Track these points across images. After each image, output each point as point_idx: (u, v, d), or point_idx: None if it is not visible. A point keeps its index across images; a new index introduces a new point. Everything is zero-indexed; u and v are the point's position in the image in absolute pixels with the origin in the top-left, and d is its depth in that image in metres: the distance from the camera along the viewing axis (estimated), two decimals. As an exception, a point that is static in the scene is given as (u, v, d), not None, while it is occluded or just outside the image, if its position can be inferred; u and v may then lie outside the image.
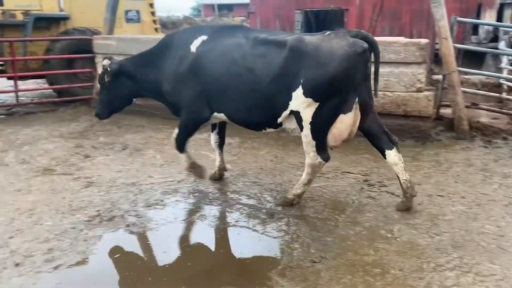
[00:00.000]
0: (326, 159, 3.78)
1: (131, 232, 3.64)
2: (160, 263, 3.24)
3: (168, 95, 4.20)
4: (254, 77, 3.69)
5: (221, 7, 47.49)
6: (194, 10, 54.43)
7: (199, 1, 53.65)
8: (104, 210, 3.97)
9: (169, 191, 4.43)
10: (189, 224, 3.77)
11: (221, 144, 4.64)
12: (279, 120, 3.79)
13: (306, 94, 3.52)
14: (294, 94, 3.58)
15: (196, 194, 4.34)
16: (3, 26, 8.14)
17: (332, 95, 3.51)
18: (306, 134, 3.67)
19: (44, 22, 8.65)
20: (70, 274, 3.08)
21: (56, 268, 3.11)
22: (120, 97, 4.46)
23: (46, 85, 9.14)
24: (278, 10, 14.76)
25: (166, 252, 3.37)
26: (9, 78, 8.57)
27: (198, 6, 54.58)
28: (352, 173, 4.85)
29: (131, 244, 3.51)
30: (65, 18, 8.93)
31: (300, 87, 3.53)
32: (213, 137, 4.63)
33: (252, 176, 4.79)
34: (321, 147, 3.71)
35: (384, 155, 3.84)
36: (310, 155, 3.75)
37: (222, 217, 3.89)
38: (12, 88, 8.23)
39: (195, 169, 4.49)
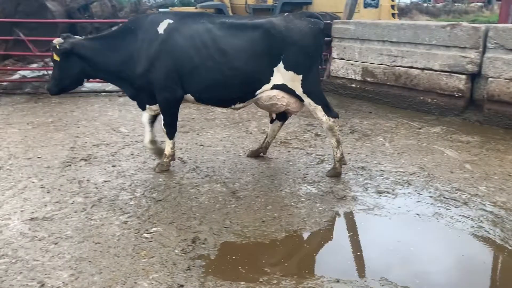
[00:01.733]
0: (336, 116, 4.24)
1: (362, 215, 3.67)
2: (393, 253, 3.16)
3: (140, 78, 4.14)
4: (229, 58, 3.99)
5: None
6: (423, -4, 51.00)
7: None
8: (336, 188, 4.11)
9: (400, 181, 4.28)
10: (423, 220, 3.57)
11: (153, 122, 4.53)
12: (257, 92, 4.15)
13: (287, 68, 4.02)
14: (275, 69, 4.05)
15: (430, 190, 4.08)
16: (256, 10, 9.15)
17: (310, 65, 4.08)
18: (309, 103, 4.19)
19: (289, 6, 9.37)
20: (305, 241, 3.30)
21: (295, 232, 3.38)
22: (70, 77, 4.29)
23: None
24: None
25: (400, 242, 3.28)
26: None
27: (429, -8, 50.90)
28: None
29: (362, 226, 3.55)
30: (307, 3, 9.48)
31: (281, 62, 4.01)
32: (145, 115, 4.49)
33: (498, 182, 4.22)
34: (327, 108, 4.20)
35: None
36: (323, 119, 4.22)
37: (461, 221, 3.55)
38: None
39: (169, 159, 4.51)
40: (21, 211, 3.60)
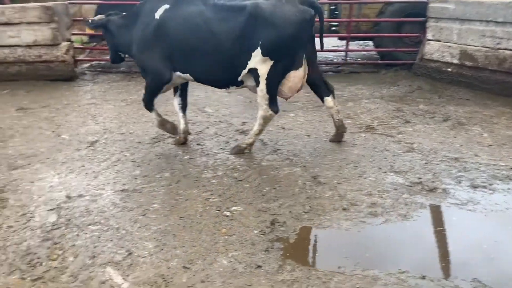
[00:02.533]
0: (276, 111, 4.26)
1: (454, 209, 3.39)
2: (488, 253, 2.89)
3: (134, 58, 4.51)
4: (218, 40, 3.99)
5: None
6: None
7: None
8: (425, 179, 3.84)
9: (500, 176, 3.89)
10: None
11: (184, 107, 4.78)
12: (239, 78, 4.14)
13: (263, 53, 3.93)
14: (253, 54, 3.96)
15: (536, 188, 3.66)
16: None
17: (285, 54, 3.98)
18: (262, 89, 4.11)
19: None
20: (389, 232, 3.13)
21: (379, 224, 3.22)
22: (111, 49, 4.81)
23: (369, 47, 9.53)
24: None
25: (497, 241, 2.98)
26: (340, 38, 9.35)
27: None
28: None
29: (453, 221, 3.28)
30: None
31: (259, 47, 3.92)
32: (176, 100, 4.78)
33: None
34: (273, 101, 4.20)
35: (322, 100, 4.61)
36: (263, 107, 4.22)
37: None
38: (342, 48, 8.96)
39: (165, 126, 4.71)
40: (114, 182, 3.84)
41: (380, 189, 3.69)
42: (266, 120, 4.32)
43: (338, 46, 9.66)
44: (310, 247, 2.99)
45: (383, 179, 3.88)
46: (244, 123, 5.46)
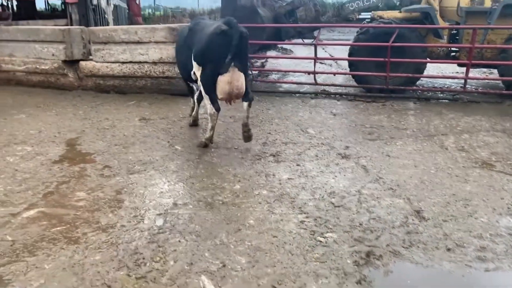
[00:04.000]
0: (218, 109, 5.24)
1: None
2: None
3: None
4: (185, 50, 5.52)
5: None
6: None
7: None
8: (550, 228, 3.40)
9: None
10: None
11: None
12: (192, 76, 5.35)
13: (195, 60, 5.15)
14: (192, 60, 5.19)
15: None
16: (469, 13, 8.24)
17: (207, 61, 5.01)
18: (202, 90, 5.26)
19: (511, 10, 8.13)
20: (499, 282, 2.82)
21: (486, 270, 2.92)
22: None
23: (493, 76, 8.76)
24: None
25: None
26: (460, 65, 8.76)
27: None
28: None
29: None
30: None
31: (193, 55, 5.16)
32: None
33: None
34: (213, 100, 5.16)
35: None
36: (208, 106, 5.21)
37: None
38: (461, 75, 8.36)
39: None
40: (216, 194, 4.05)
41: (493, 233, 3.35)
42: (212, 117, 5.26)
43: (457, 72, 9.06)
44: (405, 286, 2.81)
45: (497, 221, 3.52)
46: (347, 147, 5.38)
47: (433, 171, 4.61)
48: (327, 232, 3.36)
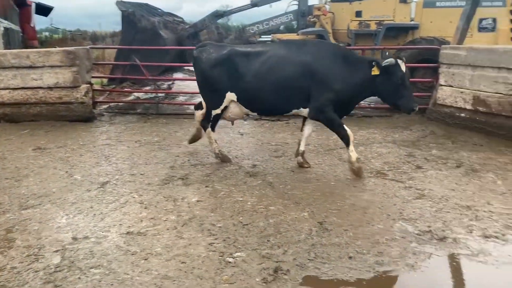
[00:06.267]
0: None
1: (464, 260, 3.28)
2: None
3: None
4: None
5: None
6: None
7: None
8: (435, 228, 3.75)
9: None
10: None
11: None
12: None
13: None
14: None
15: (549, 240, 3.52)
16: (358, 35, 8.99)
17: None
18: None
19: (394, 32, 9.05)
20: (396, 283, 3.04)
21: (385, 273, 3.12)
22: None
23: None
24: None
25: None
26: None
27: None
28: None
29: (464, 273, 3.16)
30: (414, 28, 9.07)
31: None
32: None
33: None
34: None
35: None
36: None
37: None
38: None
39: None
40: (120, 224, 3.86)
41: (388, 238, 3.61)
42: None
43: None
44: (313, 297, 2.91)
45: (391, 226, 3.80)
46: (254, 165, 5.49)
47: (333, 183, 4.87)
48: (236, 252, 3.36)
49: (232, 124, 6.05)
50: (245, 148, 6.34)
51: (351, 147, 4.97)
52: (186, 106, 9.52)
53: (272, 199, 4.40)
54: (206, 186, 4.77)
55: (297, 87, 4.99)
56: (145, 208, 4.21)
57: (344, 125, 5.01)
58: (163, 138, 6.87)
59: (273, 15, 10.77)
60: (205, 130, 5.71)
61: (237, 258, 3.27)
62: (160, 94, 9.66)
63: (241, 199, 4.41)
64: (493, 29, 8.99)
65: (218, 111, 5.45)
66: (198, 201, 4.37)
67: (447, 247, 3.45)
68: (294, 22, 11.91)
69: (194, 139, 6.08)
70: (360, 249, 3.43)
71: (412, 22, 9.19)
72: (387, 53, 8.73)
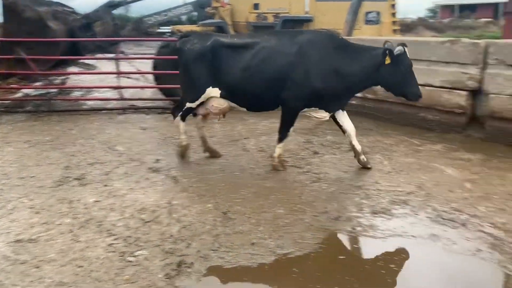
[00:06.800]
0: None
1: (356, 236, 3.55)
2: (382, 274, 3.04)
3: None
4: None
5: (462, 8, 43.30)
6: (429, 12, 51.29)
7: (436, 1, 50.25)
8: (331, 208, 4.00)
9: (397, 201, 4.17)
10: (419, 242, 3.44)
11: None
12: None
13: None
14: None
15: (428, 211, 3.95)
16: (257, 28, 9.18)
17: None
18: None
19: (291, 24, 9.38)
20: (296, 264, 3.19)
21: (285, 255, 3.26)
22: None
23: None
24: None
25: (394, 265, 3.15)
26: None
27: (435, 7, 51.16)
28: None
29: (354, 248, 3.44)
30: (308, 20, 9.50)
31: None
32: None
33: (498, 202, 4.09)
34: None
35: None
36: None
37: (459, 243, 3.41)
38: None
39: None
40: (7, 232, 3.53)
41: (289, 221, 3.76)
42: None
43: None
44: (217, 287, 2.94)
45: (291, 210, 3.97)
46: (157, 160, 5.36)
47: (237, 173, 4.95)
48: (137, 250, 3.27)
49: (219, 119, 5.62)
50: (147, 143, 6.17)
51: (282, 144, 5.05)
52: (82, 101, 8.97)
53: (175, 194, 4.34)
54: (105, 185, 4.55)
55: (290, 80, 4.73)
56: (36, 213, 3.90)
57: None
58: (56, 137, 6.41)
59: (173, 5, 10.59)
60: (174, 118, 5.37)
61: (139, 257, 3.19)
62: (52, 90, 8.98)
63: (142, 196, 4.29)
64: (377, 22, 9.77)
65: (192, 105, 5.12)
66: (96, 201, 4.16)
67: (341, 225, 3.71)
68: (195, 13, 11.82)
69: (210, 151, 5.54)
70: (262, 234, 3.54)
71: (307, 15, 9.62)
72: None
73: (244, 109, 5.16)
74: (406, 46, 4.62)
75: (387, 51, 4.57)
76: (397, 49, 4.53)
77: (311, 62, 4.70)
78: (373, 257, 3.32)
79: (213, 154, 5.48)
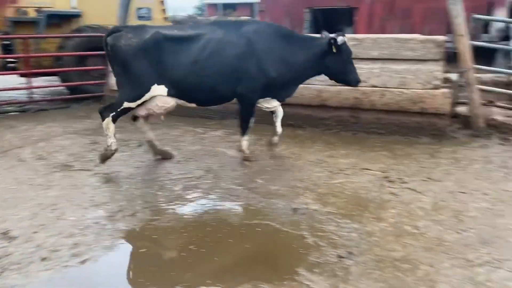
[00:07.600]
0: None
1: (155, 227, 3.63)
2: (188, 258, 3.22)
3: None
4: None
5: (225, 6, 47.51)
6: (197, 10, 54.52)
7: (202, 0, 53.75)
8: (126, 206, 3.96)
9: (189, 186, 4.42)
10: (213, 220, 3.75)
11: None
12: None
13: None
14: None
15: (217, 191, 4.33)
16: (16, 23, 8.15)
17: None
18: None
19: (57, 19, 8.67)
20: (97, 269, 3.08)
21: (83, 262, 3.10)
22: None
23: (58, 83, 9.17)
24: (288, 8, 14.72)
25: (196, 247, 3.35)
26: (22, 75, 8.60)
27: (202, 5, 54.65)
28: (371, 170, 4.83)
29: (155, 240, 3.51)
30: (77, 16, 8.94)
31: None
32: None
33: (271, 173, 4.78)
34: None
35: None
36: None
37: (245, 213, 3.87)
38: (26, 86, 8.24)
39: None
40: None
41: (82, 227, 3.57)
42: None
43: (21, 83, 8.85)
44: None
45: (83, 215, 3.77)
46: None
47: (15, 186, 4.40)
48: None
49: (162, 120, 5.17)
50: None
51: (247, 136, 5.09)
52: None
53: None
54: None
55: (241, 71, 4.66)
56: None
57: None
58: None
59: None
60: (103, 119, 4.72)
61: None
62: None
63: None
64: (149, 18, 9.91)
65: (132, 105, 4.63)
66: None
67: (139, 220, 3.72)
68: None
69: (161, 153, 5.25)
70: (54, 247, 3.27)
71: (74, 10, 9.02)
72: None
73: (194, 105, 4.94)
74: (345, 35, 4.86)
75: (331, 41, 4.72)
76: (340, 39, 4.72)
77: (263, 52, 4.72)
78: (172, 242, 3.46)
79: (166, 156, 5.24)
